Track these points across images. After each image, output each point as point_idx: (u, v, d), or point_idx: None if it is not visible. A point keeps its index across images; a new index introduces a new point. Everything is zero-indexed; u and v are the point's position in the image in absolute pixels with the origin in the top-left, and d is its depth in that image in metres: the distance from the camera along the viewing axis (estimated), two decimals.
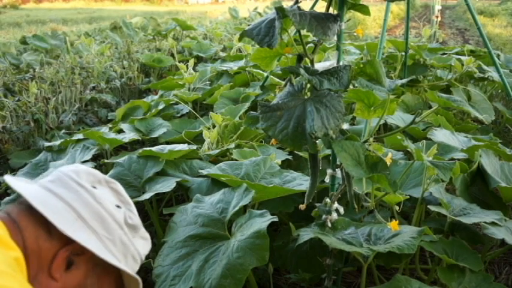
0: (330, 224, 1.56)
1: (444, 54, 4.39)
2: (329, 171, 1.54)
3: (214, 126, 2.67)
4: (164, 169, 2.22)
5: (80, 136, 2.81)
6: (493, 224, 1.74)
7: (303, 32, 1.31)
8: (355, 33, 1.42)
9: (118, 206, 1.03)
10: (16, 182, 0.98)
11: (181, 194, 2.67)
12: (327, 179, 1.57)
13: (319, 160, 1.45)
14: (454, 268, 1.62)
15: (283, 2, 12.75)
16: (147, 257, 1.10)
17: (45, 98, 3.70)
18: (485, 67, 3.70)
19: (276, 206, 1.94)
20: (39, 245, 0.90)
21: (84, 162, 2.48)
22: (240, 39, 2.59)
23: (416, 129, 2.68)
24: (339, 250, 1.54)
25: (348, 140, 1.35)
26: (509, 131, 3.74)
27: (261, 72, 3.87)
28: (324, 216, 1.55)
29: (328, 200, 1.54)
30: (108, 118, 3.98)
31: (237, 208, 1.70)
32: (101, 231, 0.96)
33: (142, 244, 1.07)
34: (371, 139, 1.42)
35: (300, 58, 1.39)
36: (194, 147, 2.45)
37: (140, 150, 2.33)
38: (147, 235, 1.10)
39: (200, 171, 2.20)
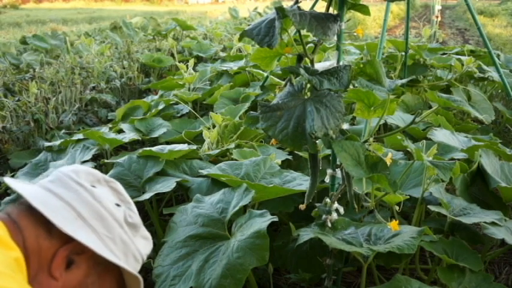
0: (330, 224, 1.56)
1: (444, 54, 4.40)
2: (329, 171, 1.54)
3: (214, 126, 2.67)
4: (164, 169, 2.22)
5: (80, 136, 2.81)
6: (493, 224, 1.74)
7: (303, 32, 1.31)
8: (355, 33, 1.42)
9: (118, 205, 1.03)
10: (16, 183, 0.98)
11: (181, 194, 2.67)
12: (327, 179, 1.57)
13: (319, 160, 1.45)
14: (454, 268, 1.62)
15: (283, 2, 12.75)
16: (148, 257, 1.10)
17: (45, 98, 3.70)
18: (485, 67, 3.70)
19: (276, 206, 1.94)
20: (39, 244, 0.90)
21: (84, 162, 2.48)
22: (240, 39, 2.59)
23: (416, 129, 2.68)
24: (339, 250, 1.54)
25: (348, 140, 1.35)
26: (509, 131, 3.74)
27: (261, 72, 3.87)
28: (324, 216, 1.55)
29: (328, 200, 1.54)
30: (108, 118, 3.98)
31: (237, 208, 1.70)
32: (101, 230, 0.96)
33: (144, 244, 1.07)
34: (371, 139, 1.42)
35: (300, 58, 1.39)
36: (194, 147, 2.45)
37: (140, 150, 2.33)
38: (148, 235, 1.10)
39: (200, 171, 2.20)
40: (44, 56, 5.73)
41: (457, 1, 23.23)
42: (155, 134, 2.99)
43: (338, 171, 1.49)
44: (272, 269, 1.74)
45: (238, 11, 12.55)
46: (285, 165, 2.36)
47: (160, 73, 5.60)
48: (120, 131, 3.06)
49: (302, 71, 1.28)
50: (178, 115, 3.54)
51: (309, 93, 1.31)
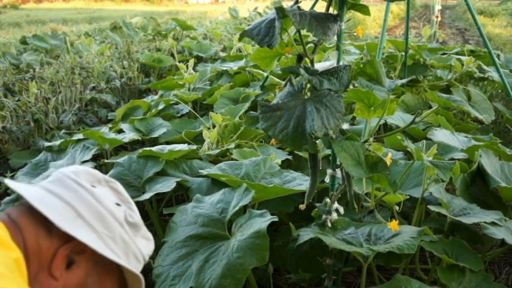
0: (330, 224, 1.56)
1: (444, 54, 4.40)
2: (329, 171, 1.54)
3: (214, 126, 2.67)
4: (164, 169, 2.22)
5: (80, 136, 2.81)
6: (493, 224, 1.74)
7: (303, 32, 1.31)
8: (355, 33, 1.42)
9: (118, 205, 1.03)
10: (16, 184, 0.98)
11: (181, 194, 2.67)
12: (327, 179, 1.57)
13: (319, 160, 1.45)
14: (454, 268, 1.62)
15: (283, 2, 12.75)
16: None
17: (45, 98, 3.70)
18: (485, 67, 3.70)
19: (276, 206, 1.94)
20: (39, 244, 0.90)
21: (84, 162, 2.48)
22: (240, 39, 2.59)
23: (416, 129, 2.68)
24: (339, 250, 1.54)
25: (348, 140, 1.35)
26: (509, 131, 3.74)
27: (261, 72, 3.87)
28: (324, 216, 1.55)
29: (328, 200, 1.54)
30: (108, 118, 3.98)
31: (237, 208, 1.70)
32: (101, 229, 0.96)
33: (145, 244, 1.06)
34: (371, 139, 1.42)
35: (300, 58, 1.39)
36: (194, 147, 2.45)
37: (140, 150, 2.33)
38: (149, 235, 1.09)
39: (200, 171, 2.20)
40: (44, 56, 5.73)
41: (457, 1, 23.22)
42: (155, 134, 2.99)
43: (338, 171, 1.49)
44: (272, 269, 1.74)
45: (238, 11, 12.55)
46: (285, 165, 2.36)
47: (160, 73, 5.60)
48: (120, 131, 3.06)
49: (302, 71, 1.28)
50: (178, 115, 3.54)
51: (309, 93, 1.31)
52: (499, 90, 4.06)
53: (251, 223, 1.59)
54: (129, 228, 1.02)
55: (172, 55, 5.61)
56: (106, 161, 2.51)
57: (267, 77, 3.62)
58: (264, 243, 1.46)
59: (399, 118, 2.78)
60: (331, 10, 1.39)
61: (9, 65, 5.17)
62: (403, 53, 3.71)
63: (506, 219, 1.80)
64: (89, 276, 0.96)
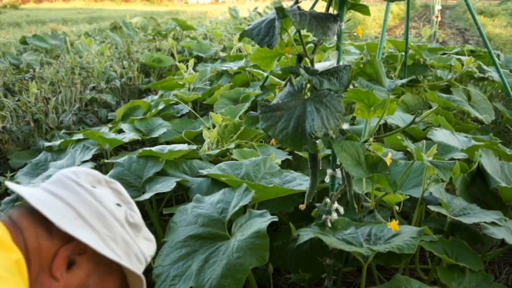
0: (330, 224, 1.56)
1: (444, 54, 4.40)
2: (329, 171, 1.54)
3: (214, 126, 2.67)
4: (164, 169, 2.22)
5: (80, 136, 2.81)
6: (493, 224, 1.74)
7: (303, 32, 1.31)
8: (355, 33, 1.42)
9: (118, 205, 1.03)
10: (16, 185, 0.98)
11: (181, 194, 2.67)
12: (327, 179, 1.57)
13: (319, 160, 1.45)
14: (454, 268, 1.62)
15: (283, 2, 12.75)
16: None
17: (45, 98, 3.70)
18: (485, 67, 3.70)
19: (276, 206, 1.94)
20: (39, 245, 0.90)
21: (84, 162, 2.48)
22: (240, 39, 2.59)
23: (416, 129, 2.68)
24: (339, 250, 1.54)
25: (348, 140, 1.35)
26: (509, 131, 3.74)
27: (261, 72, 3.87)
28: (324, 216, 1.55)
29: (328, 200, 1.54)
30: (108, 118, 3.99)
31: (237, 208, 1.70)
32: (102, 230, 0.95)
33: (147, 245, 1.06)
34: (371, 139, 1.42)
35: (300, 58, 1.39)
36: (194, 147, 2.45)
37: (140, 150, 2.33)
38: (151, 236, 1.09)
39: (200, 171, 2.20)
40: (44, 56, 5.73)
41: (457, 1, 23.22)
42: (155, 134, 2.99)
43: (338, 171, 1.49)
44: (272, 269, 1.74)
45: (238, 11, 12.55)
46: (285, 165, 2.36)
47: (160, 73, 5.60)
48: (120, 131, 3.06)
49: (302, 71, 1.28)
50: (178, 115, 3.54)
51: (309, 93, 1.31)
52: (499, 90, 4.06)
53: (251, 223, 1.59)
54: (130, 229, 1.02)
55: (172, 55, 5.61)
56: (106, 161, 2.51)
57: (267, 77, 3.62)
58: (264, 243, 1.46)
59: (399, 118, 2.78)
60: (331, 10, 1.39)
61: (9, 65, 5.17)
62: (403, 53, 3.71)
63: (506, 219, 1.80)
64: (89, 277, 0.96)
